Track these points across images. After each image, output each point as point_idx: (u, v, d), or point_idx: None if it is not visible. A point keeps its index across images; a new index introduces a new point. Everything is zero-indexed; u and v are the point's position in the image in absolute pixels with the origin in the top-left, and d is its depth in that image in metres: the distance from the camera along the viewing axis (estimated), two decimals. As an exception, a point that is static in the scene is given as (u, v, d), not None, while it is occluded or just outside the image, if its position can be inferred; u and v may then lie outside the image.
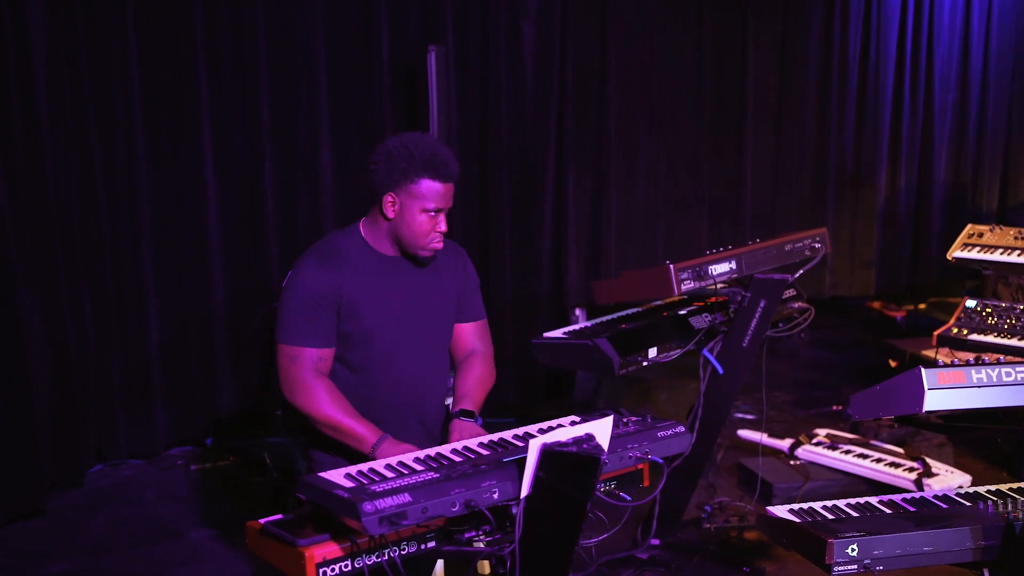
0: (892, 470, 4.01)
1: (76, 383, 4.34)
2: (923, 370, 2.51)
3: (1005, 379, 2.54)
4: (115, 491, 4.40)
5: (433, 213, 2.55)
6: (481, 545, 2.13)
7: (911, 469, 3.99)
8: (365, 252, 2.63)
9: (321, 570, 2.00)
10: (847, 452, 4.21)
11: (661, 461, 2.30)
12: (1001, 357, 2.62)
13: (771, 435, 4.54)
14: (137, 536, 3.95)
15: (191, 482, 4.51)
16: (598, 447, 2.03)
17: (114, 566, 3.71)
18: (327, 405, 2.55)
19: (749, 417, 5.07)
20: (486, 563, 3.44)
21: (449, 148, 2.61)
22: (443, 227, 2.59)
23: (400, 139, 2.56)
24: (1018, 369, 2.54)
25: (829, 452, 4.24)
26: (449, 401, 2.83)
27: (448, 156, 2.56)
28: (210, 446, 4.83)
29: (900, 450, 4.20)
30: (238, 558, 3.71)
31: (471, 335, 2.85)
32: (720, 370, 3.33)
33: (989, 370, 2.53)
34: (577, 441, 2.03)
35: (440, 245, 2.62)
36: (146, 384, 4.64)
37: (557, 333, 3.37)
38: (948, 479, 3.91)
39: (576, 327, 3.48)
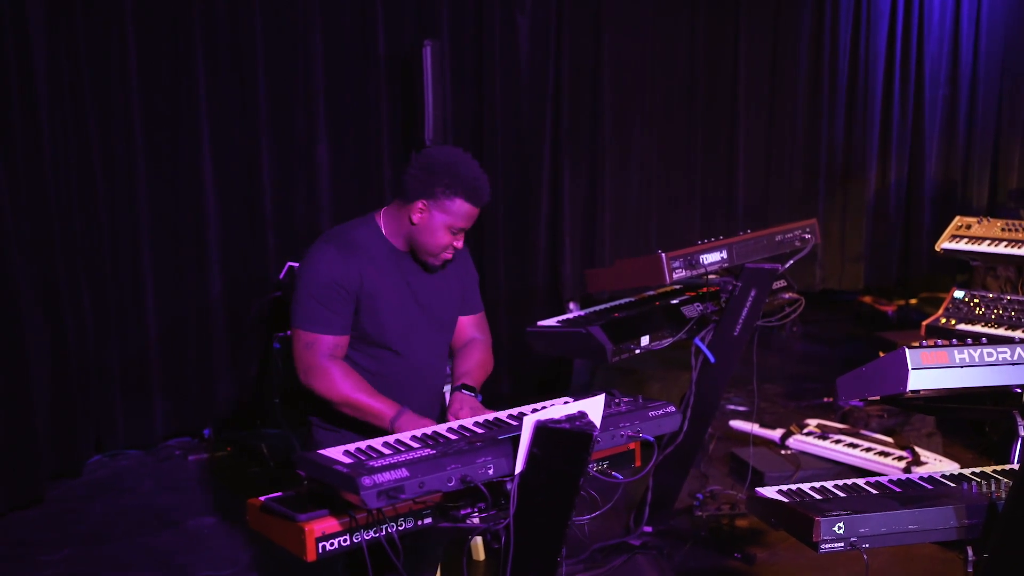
0: (881, 459, 4.05)
1: (75, 374, 4.37)
2: (907, 350, 2.56)
3: (987, 359, 2.60)
4: (113, 481, 4.43)
5: (457, 231, 2.61)
6: (476, 521, 2.17)
7: (900, 458, 4.03)
8: (382, 244, 2.66)
9: (320, 544, 2.04)
10: (837, 441, 4.25)
11: (652, 440, 2.35)
12: (984, 340, 2.68)
13: (762, 425, 4.58)
14: (135, 525, 3.98)
15: (189, 472, 4.54)
16: (590, 423, 2.07)
17: (112, 555, 3.74)
18: (344, 386, 2.57)
19: (741, 409, 5.12)
20: (480, 547, 3.52)
21: (485, 174, 2.64)
22: (460, 244, 2.65)
23: (446, 155, 2.60)
24: (999, 350, 2.59)
25: (820, 442, 4.29)
26: (447, 389, 2.87)
27: (487, 184, 2.61)
28: (208, 437, 4.86)
29: (890, 439, 4.25)
30: (236, 546, 3.74)
31: (471, 326, 2.91)
32: (712, 359, 3.38)
33: (971, 351, 2.58)
34: (570, 418, 2.07)
35: (450, 256, 2.67)
36: (144, 375, 4.67)
37: (551, 321, 3.41)
38: (936, 467, 3.95)
39: (570, 316, 3.52)
